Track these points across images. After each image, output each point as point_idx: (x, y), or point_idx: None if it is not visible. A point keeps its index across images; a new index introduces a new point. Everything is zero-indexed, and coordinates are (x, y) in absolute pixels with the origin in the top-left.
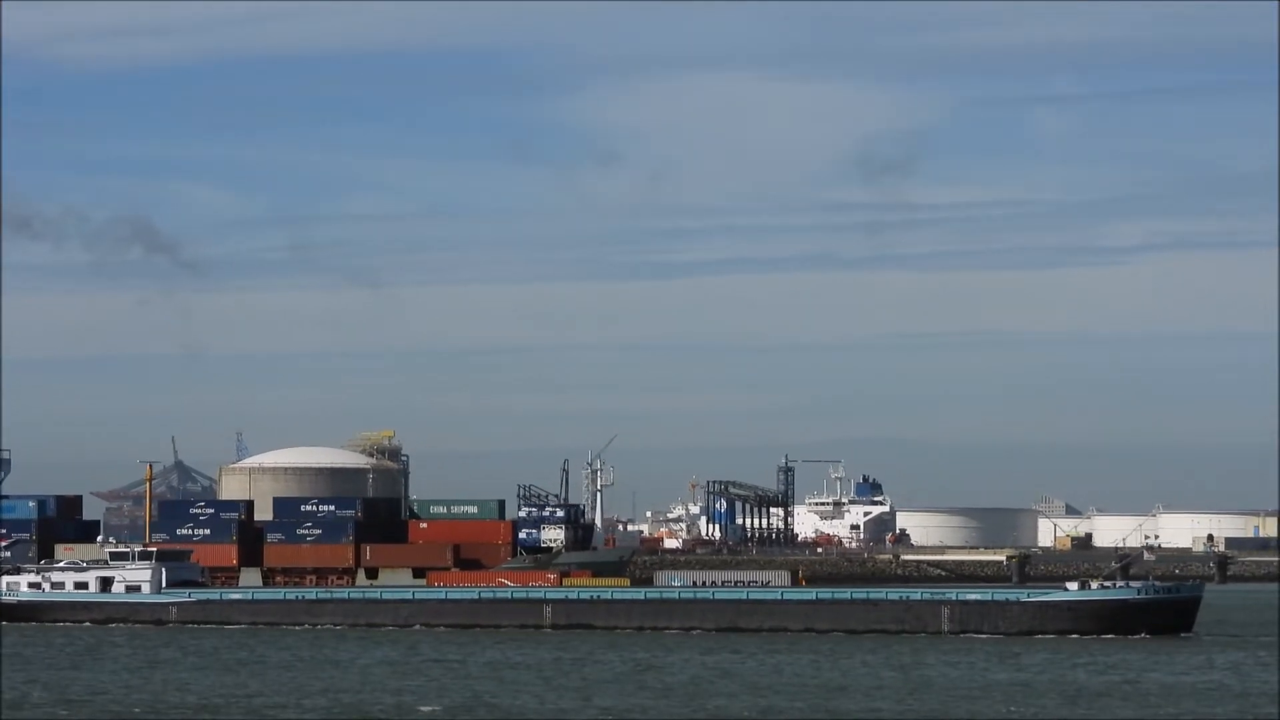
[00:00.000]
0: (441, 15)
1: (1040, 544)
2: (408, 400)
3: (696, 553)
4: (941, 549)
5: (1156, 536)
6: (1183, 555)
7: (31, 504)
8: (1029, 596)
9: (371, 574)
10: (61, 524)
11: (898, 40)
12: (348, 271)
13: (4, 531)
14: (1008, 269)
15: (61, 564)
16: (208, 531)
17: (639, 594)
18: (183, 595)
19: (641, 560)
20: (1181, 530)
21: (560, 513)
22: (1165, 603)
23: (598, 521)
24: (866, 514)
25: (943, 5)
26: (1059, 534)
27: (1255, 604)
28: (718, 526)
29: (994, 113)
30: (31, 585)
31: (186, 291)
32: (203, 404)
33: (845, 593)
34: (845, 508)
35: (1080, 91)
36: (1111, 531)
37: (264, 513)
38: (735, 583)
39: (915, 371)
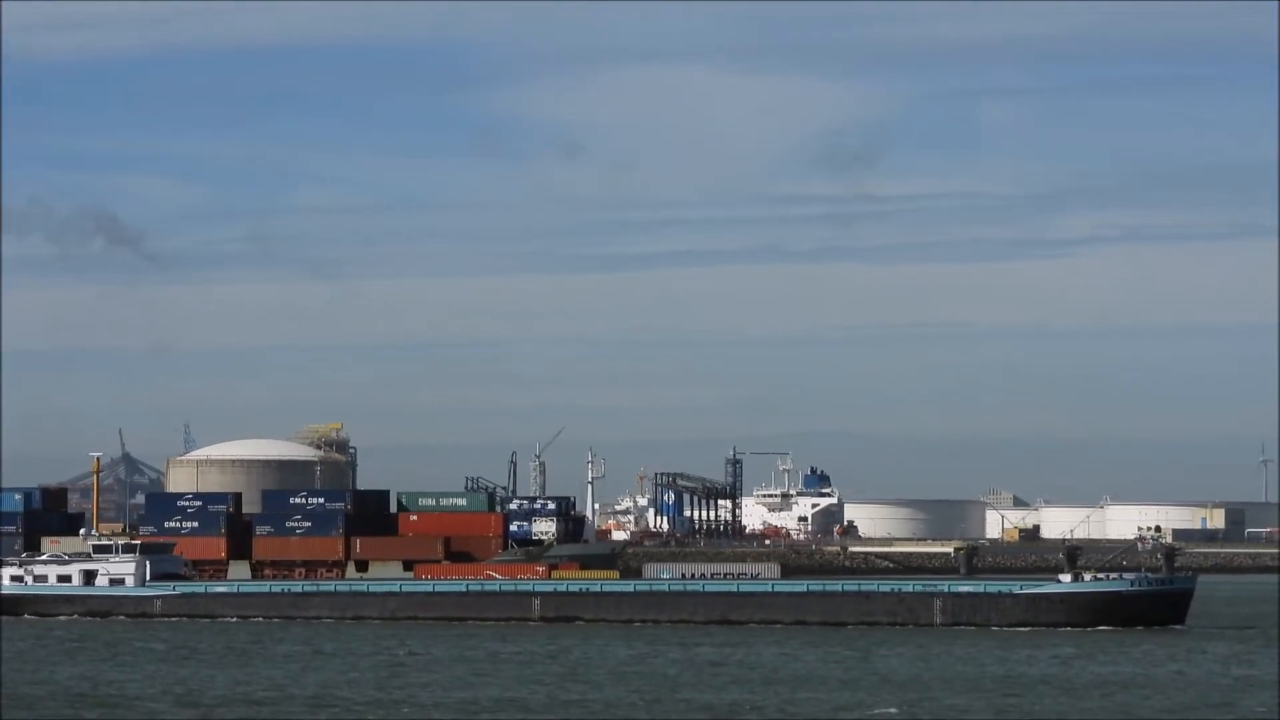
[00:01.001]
0: (402, 10)
1: (988, 536)
2: (359, 393)
3: (644, 545)
4: (889, 541)
5: (1157, 529)
6: (1130, 547)
7: (17, 496)
8: (1021, 588)
9: (361, 567)
10: (47, 516)
11: (850, 34)
12: (309, 265)
13: None
14: (957, 262)
15: (44, 557)
16: (196, 524)
17: (628, 586)
18: (167, 588)
19: (632, 552)
20: (1129, 522)
21: (551, 505)
22: (1158, 595)
23: (589, 514)
24: (814, 506)
25: (893, 3)
26: (1007, 526)
27: (1236, 596)
28: (666, 518)
29: (945, 106)
30: (14, 578)
31: (149, 284)
32: (154, 397)
33: (836, 584)
34: (793, 500)
35: (1031, 85)
36: (1059, 523)
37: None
38: (725, 575)
39: (863, 364)
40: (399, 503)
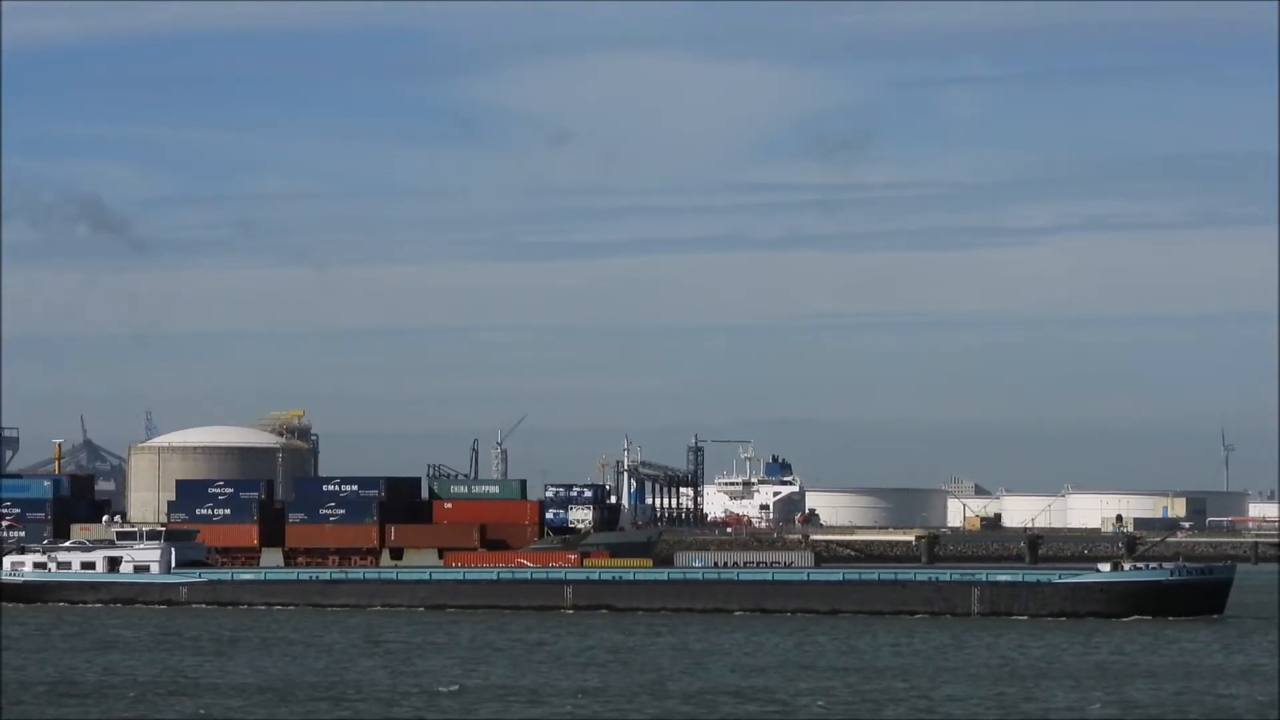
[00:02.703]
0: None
1: (949, 524)
2: (320, 380)
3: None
4: (851, 529)
5: (1188, 520)
6: (1091, 536)
7: (46, 483)
8: (1060, 578)
9: (396, 554)
10: (75, 503)
11: (815, 23)
12: (279, 253)
13: (18, 512)
14: (918, 250)
15: (67, 544)
16: (228, 511)
17: (662, 575)
18: (193, 575)
19: (665, 541)
20: (1090, 511)
21: (588, 493)
22: (1197, 584)
23: (624, 502)
24: (776, 494)
25: None
26: (968, 514)
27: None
28: (627, 506)
29: (906, 94)
30: (37, 565)
31: (120, 270)
32: (118, 383)
33: (873, 573)
34: (755, 488)
35: (993, 73)
36: (1020, 512)
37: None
38: (758, 564)
39: (825, 352)
40: (431, 490)
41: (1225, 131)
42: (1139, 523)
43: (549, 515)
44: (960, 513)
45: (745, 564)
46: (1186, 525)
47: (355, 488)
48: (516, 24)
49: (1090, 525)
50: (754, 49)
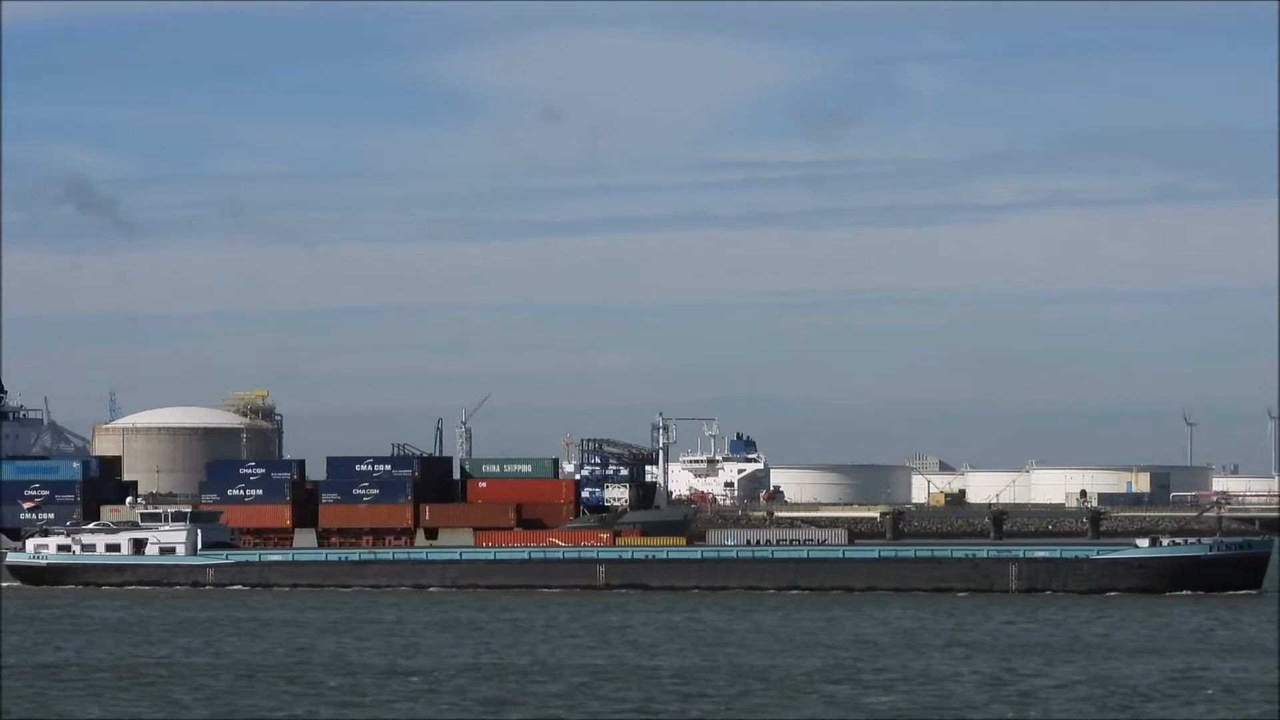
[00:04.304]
0: None
1: (914, 500)
2: (282, 359)
3: None
4: (815, 506)
5: (1226, 493)
6: (1055, 511)
7: (75, 465)
8: (1098, 553)
9: (431, 534)
10: (104, 485)
11: (772, 1)
12: (271, 232)
13: (46, 494)
14: (881, 226)
15: (90, 526)
16: (260, 492)
17: (695, 553)
18: (219, 557)
19: (701, 519)
20: (1055, 486)
21: (624, 471)
22: (1235, 559)
23: (660, 481)
24: (741, 471)
25: None
26: (933, 490)
27: None
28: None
29: (867, 70)
30: (61, 548)
31: (110, 251)
32: (81, 363)
33: (909, 550)
34: (719, 465)
35: (955, 49)
36: (985, 488)
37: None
38: (792, 541)
39: (789, 329)
40: (463, 469)
41: (1190, 107)
42: (1103, 498)
43: (585, 494)
44: (925, 489)
45: (779, 542)
46: (1226, 503)
47: (389, 468)
48: (495, 4)
49: (1055, 501)
50: (716, 27)
